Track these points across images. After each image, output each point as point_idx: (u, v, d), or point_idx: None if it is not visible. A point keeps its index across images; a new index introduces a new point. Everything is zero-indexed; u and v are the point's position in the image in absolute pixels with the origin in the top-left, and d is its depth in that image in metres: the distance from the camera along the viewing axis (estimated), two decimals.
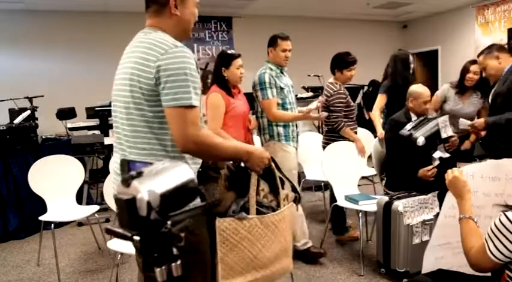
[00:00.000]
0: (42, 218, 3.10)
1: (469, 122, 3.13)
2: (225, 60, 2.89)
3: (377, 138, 3.58)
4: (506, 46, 4.42)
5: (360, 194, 3.30)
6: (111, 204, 2.58)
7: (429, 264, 2.05)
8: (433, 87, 6.91)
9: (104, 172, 3.83)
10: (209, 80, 3.05)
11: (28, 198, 3.88)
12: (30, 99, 4.72)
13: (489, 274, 1.54)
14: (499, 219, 1.38)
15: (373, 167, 3.59)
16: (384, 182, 3.24)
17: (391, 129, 3.08)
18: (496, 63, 2.99)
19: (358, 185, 3.51)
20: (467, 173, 1.84)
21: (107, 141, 4.37)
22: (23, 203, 4.01)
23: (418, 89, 3.05)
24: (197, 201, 0.88)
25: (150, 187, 0.80)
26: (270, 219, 1.51)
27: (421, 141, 2.76)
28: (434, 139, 2.88)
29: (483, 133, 3.22)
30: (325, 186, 4.30)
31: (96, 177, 4.85)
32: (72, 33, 6.77)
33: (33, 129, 4.28)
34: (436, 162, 2.88)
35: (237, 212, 1.46)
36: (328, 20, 8.37)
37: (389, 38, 8.84)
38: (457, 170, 1.72)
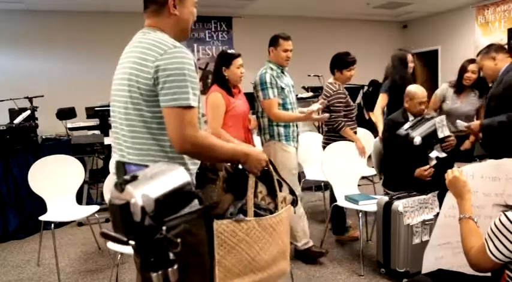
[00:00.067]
0: (42, 218, 3.10)
1: (465, 124, 3.13)
2: (225, 59, 2.89)
3: (378, 137, 3.57)
4: (506, 46, 4.40)
5: (360, 194, 3.29)
6: None
7: (429, 264, 2.05)
8: (433, 87, 6.93)
9: (104, 172, 3.83)
10: (209, 80, 3.06)
11: (28, 198, 3.88)
12: (30, 99, 4.72)
13: (489, 274, 1.54)
14: (499, 219, 1.38)
15: (373, 167, 3.59)
16: (381, 181, 3.25)
17: (389, 129, 3.09)
18: (492, 64, 2.96)
19: (358, 185, 3.50)
20: (467, 173, 1.84)
21: (106, 141, 4.36)
22: (23, 203, 4.01)
23: (413, 89, 3.04)
24: (195, 204, 0.87)
25: (145, 191, 0.78)
26: (267, 221, 1.50)
27: (417, 140, 2.77)
28: (431, 139, 2.88)
29: (480, 135, 3.22)
30: (325, 186, 4.29)
31: (96, 177, 4.85)
32: (72, 33, 6.77)
33: (33, 129, 4.28)
34: (433, 162, 2.88)
35: (235, 214, 1.45)
36: (328, 20, 8.36)
37: (389, 38, 8.82)
38: (457, 170, 1.72)
